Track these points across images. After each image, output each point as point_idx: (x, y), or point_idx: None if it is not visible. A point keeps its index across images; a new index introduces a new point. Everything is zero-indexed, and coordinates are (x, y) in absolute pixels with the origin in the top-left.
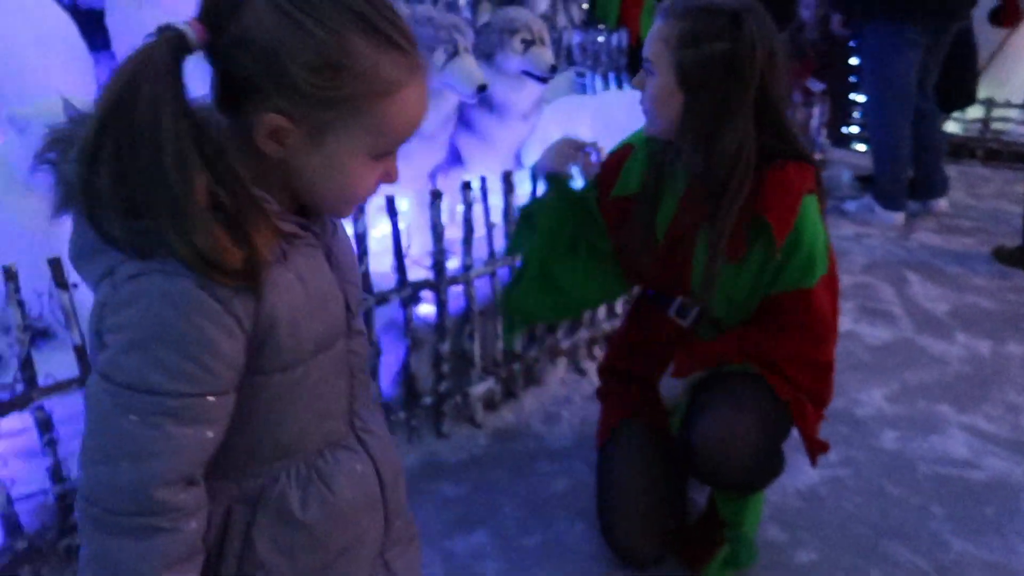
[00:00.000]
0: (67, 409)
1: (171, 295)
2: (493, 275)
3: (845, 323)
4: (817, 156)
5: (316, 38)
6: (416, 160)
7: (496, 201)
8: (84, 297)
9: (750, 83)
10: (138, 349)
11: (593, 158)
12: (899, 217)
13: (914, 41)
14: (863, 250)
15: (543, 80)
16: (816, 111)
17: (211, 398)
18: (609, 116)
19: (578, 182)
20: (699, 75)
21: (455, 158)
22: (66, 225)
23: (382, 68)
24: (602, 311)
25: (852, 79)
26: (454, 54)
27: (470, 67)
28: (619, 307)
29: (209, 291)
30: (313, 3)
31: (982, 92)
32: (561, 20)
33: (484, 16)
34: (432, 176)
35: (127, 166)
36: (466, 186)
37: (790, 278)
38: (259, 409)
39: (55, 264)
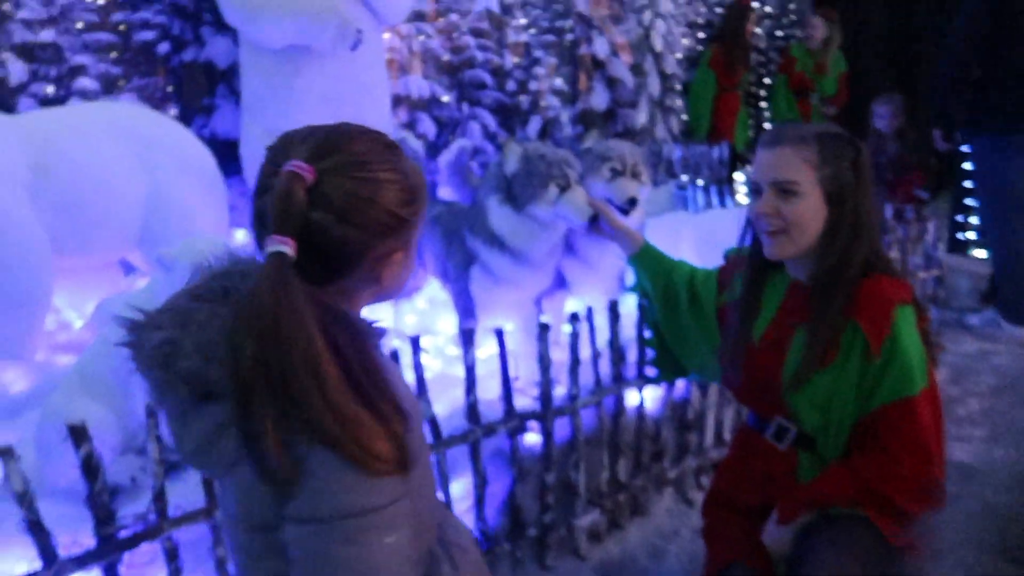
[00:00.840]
0: (190, 535)
1: None
2: (599, 404)
3: (978, 453)
4: (935, 271)
5: (391, 181)
6: (524, 287)
7: (601, 322)
8: None
9: (869, 196)
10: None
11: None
12: None
13: None
14: (990, 370)
15: (622, 211)
16: (931, 225)
17: (402, 501)
18: (712, 235)
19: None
20: (840, 190)
21: (559, 281)
22: None
23: (420, 172)
24: (709, 438)
25: (966, 184)
26: (566, 187)
27: (581, 200)
28: (727, 434)
29: None
30: (367, 157)
31: None
32: (660, 131)
33: (589, 142)
34: (537, 301)
35: (288, 388)
36: (573, 317)
37: (891, 387)
38: (414, 503)
39: None
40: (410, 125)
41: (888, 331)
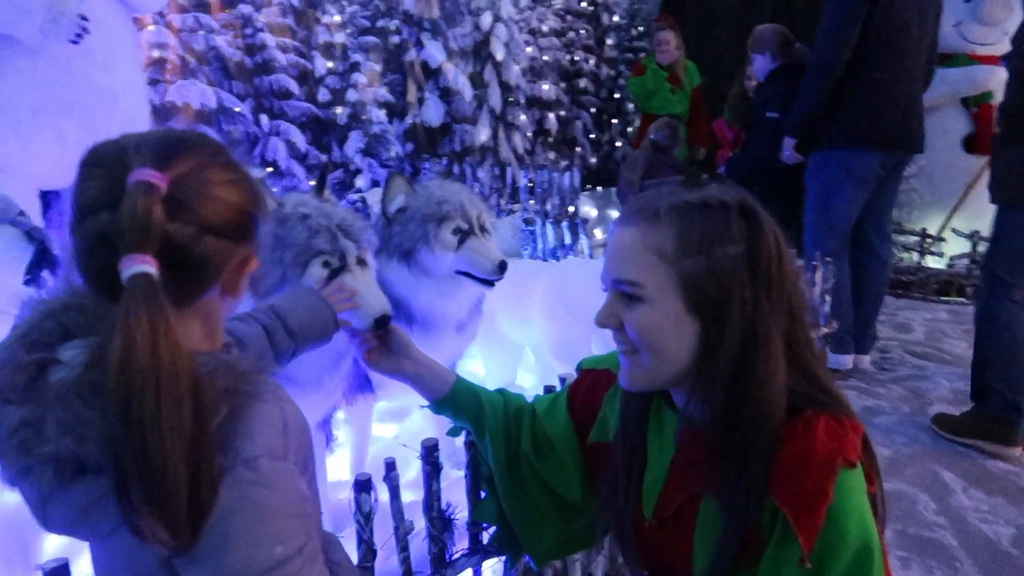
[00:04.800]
0: None
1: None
2: None
3: (893, 567)
4: (824, 328)
5: (240, 180)
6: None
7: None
8: None
9: (782, 293)
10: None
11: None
12: (848, 360)
13: (863, 175)
14: (879, 434)
15: (489, 284)
16: (819, 275)
17: (315, 534)
18: (567, 291)
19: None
20: (718, 291)
21: (363, 383)
22: None
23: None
24: None
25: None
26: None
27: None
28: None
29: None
30: (215, 158)
31: (965, 225)
32: (504, 151)
33: (399, 199)
34: (325, 422)
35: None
36: (389, 468)
37: None
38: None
39: None
40: None
41: (822, 519)
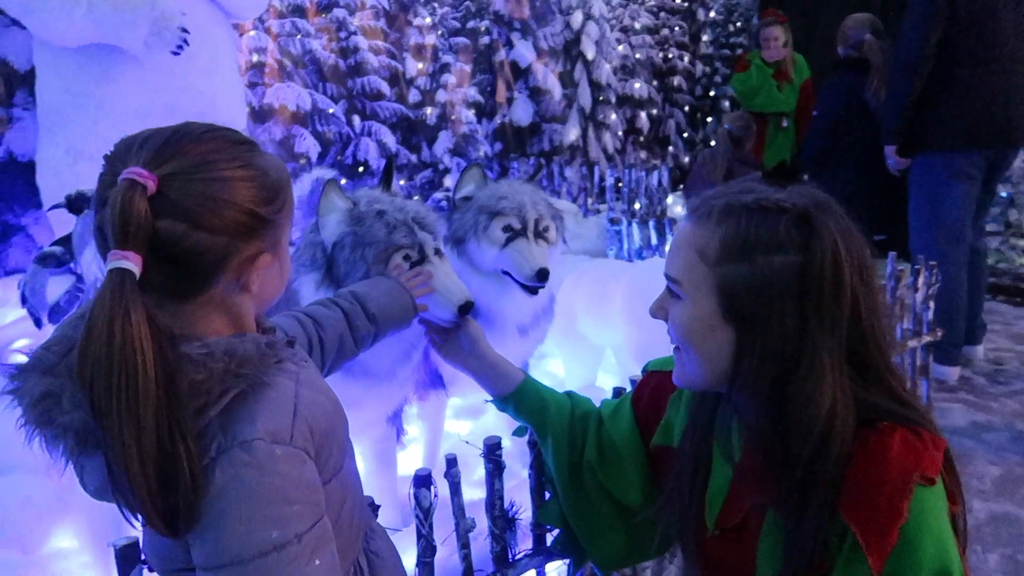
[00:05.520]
0: None
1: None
2: None
3: None
4: (926, 336)
5: (245, 178)
6: (367, 405)
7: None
8: None
9: (837, 310)
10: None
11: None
12: (954, 372)
13: (969, 173)
14: (988, 451)
15: (529, 290)
16: (922, 279)
17: (323, 520)
18: (648, 291)
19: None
20: (755, 302)
21: (435, 379)
22: None
23: (281, 168)
24: None
25: None
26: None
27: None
28: None
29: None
30: (214, 156)
31: None
32: (593, 151)
33: (468, 187)
34: (396, 415)
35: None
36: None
37: None
38: (342, 512)
39: None
40: (286, 142)
41: (894, 539)
